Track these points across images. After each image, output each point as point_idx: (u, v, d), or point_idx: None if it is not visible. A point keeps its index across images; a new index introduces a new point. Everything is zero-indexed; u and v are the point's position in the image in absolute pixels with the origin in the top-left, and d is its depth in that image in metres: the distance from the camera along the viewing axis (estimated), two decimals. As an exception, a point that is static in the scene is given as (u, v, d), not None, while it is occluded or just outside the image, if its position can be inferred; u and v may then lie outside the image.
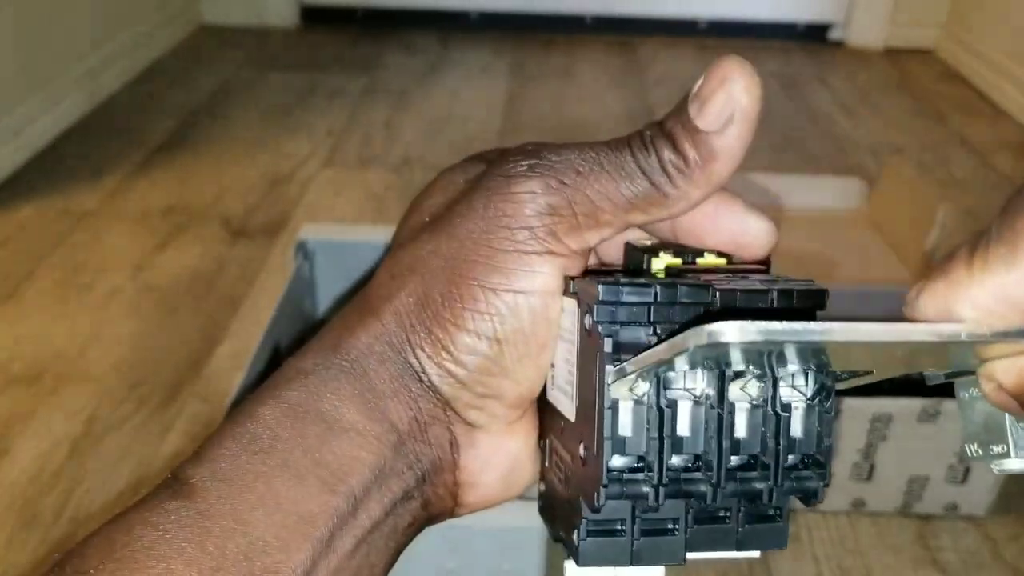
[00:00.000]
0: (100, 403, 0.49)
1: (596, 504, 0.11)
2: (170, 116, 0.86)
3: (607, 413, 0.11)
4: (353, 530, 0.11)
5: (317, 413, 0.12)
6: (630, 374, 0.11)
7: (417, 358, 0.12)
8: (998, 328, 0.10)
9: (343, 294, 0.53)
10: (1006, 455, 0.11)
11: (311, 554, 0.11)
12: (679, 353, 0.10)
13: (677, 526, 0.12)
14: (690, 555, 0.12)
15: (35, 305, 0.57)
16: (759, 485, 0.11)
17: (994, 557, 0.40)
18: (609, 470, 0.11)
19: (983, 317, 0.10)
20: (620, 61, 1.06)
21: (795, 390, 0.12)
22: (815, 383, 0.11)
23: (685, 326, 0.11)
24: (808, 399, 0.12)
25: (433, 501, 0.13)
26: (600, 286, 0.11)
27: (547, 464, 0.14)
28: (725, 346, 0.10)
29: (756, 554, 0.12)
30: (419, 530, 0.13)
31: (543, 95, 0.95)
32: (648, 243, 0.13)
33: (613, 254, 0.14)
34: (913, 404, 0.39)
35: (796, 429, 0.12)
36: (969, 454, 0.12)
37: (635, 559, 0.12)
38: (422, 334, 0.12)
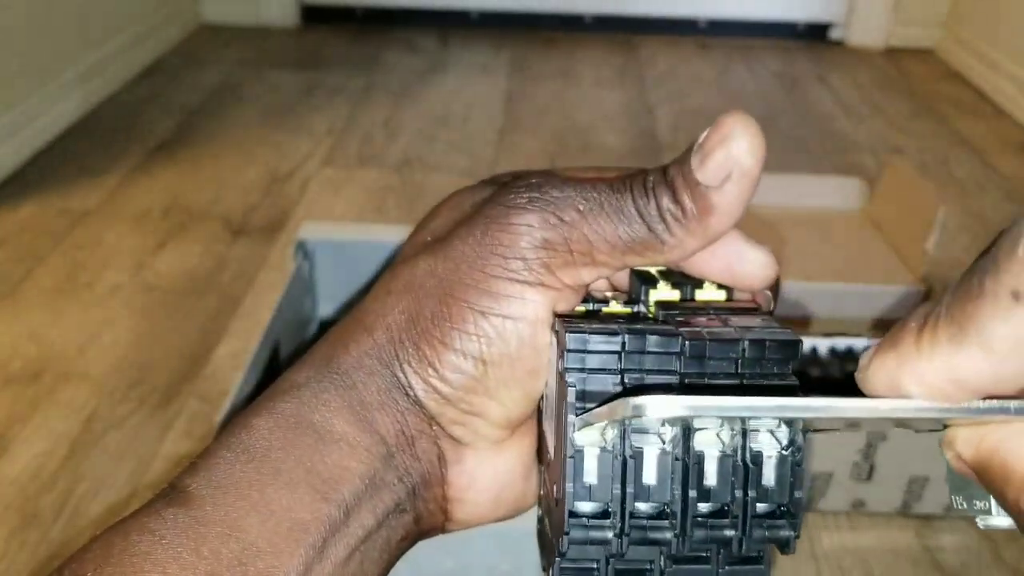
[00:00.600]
0: (100, 402, 0.49)
1: (559, 549, 0.11)
2: (170, 115, 0.86)
3: (569, 462, 0.11)
4: (346, 538, 0.12)
5: (309, 424, 0.12)
6: (592, 424, 0.11)
7: (404, 372, 0.13)
8: (945, 406, 0.10)
9: (344, 294, 0.53)
10: (988, 512, 0.11)
11: (304, 559, 0.11)
12: (614, 420, 0.10)
13: (652, 568, 0.12)
14: None
15: (34, 304, 0.57)
16: (729, 533, 0.11)
17: (994, 557, 0.40)
18: (574, 515, 0.11)
19: (930, 394, 0.10)
20: (620, 60, 1.06)
21: (771, 436, 0.12)
22: (788, 434, 0.11)
23: (630, 392, 0.11)
24: (782, 448, 0.12)
25: (424, 515, 0.13)
26: (568, 334, 0.11)
27: (542, 492, 0.14)
28: (652, 417, 0.10)
29: None
30: (412, 544, 0.13)
31: (543, 94, 0.94)
32: (652, 270, 0.13)
33: (622, 279, 0.14)
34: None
35: (768, 478, 0.12)
36: (955, 506, 0.12)
37: None
38: (410, 350, 0.13)
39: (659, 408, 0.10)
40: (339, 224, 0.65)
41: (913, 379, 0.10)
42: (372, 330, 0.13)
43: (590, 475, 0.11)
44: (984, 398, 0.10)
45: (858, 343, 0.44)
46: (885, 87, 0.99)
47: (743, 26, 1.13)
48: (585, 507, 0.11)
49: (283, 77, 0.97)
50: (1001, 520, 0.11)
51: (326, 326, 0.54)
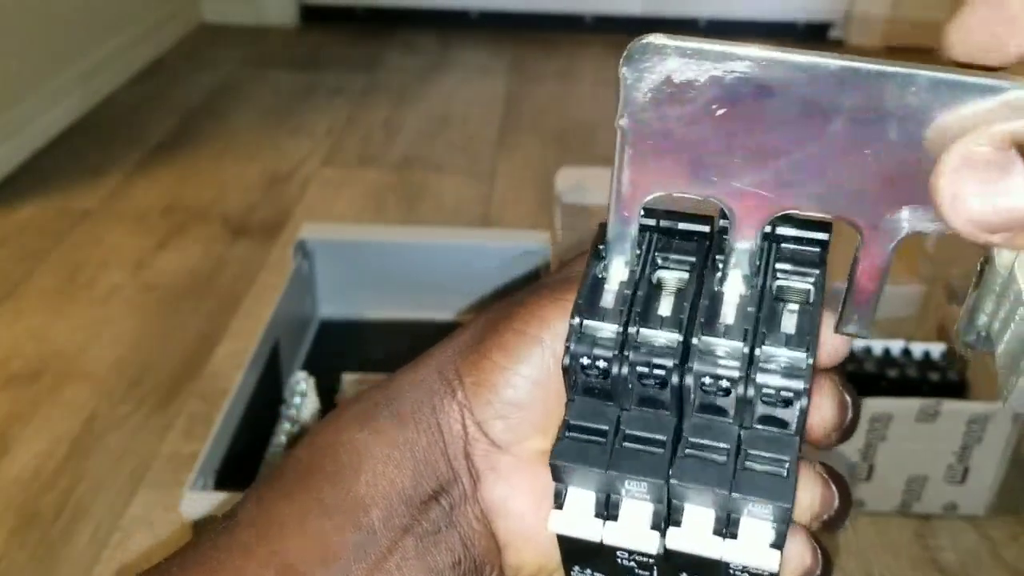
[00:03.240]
0: (100, 401, 0.49)
1: (562, 363, 0.11)
2: (170, 115, 0.86)
3: (587, 279, 0.11)
4: (376, 560, 0.12)
5: (348, 450, 0.13)
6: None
7: (456, 369, 0.13)
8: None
9: (344, 294, 0.53)
10: None
11: None
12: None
13: (663, 447, 0.11)
14: (677, 482, 0.11)
15: (34, 304, 0.57)
16: (733, 371, 0.11)
17: (993, 557, 0.41)
18: (581, 335, 0.11)
19: None
20: (620, 60, 1.06)
21: (794, 292, 0.11)
22: (813, 293, 0.11)
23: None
24: (805, 302, 0.11)
25: (470, 536, 0.13)
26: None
27: None
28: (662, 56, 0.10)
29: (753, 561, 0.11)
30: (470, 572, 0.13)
31: (543, 94, 0.94)
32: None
33: None
34: (912, 404, 0.39)
35: (787, 326, 0.11)
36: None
37: (612, 465, 0.11)
38: (466, 353, 0.13)
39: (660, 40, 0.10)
40: (339, 224, 0.65)
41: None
42: (432, 354, 0.14)
43: (607, 299, 0.11)
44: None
45: (857, 343, 0.44)
46: (884, 87, 1.00)
47: (743, 26, 1.13)
48: (597, 327, 0.11)
49: (283, 77, 0.97)
50: None
51: (326, 326, 0.54)
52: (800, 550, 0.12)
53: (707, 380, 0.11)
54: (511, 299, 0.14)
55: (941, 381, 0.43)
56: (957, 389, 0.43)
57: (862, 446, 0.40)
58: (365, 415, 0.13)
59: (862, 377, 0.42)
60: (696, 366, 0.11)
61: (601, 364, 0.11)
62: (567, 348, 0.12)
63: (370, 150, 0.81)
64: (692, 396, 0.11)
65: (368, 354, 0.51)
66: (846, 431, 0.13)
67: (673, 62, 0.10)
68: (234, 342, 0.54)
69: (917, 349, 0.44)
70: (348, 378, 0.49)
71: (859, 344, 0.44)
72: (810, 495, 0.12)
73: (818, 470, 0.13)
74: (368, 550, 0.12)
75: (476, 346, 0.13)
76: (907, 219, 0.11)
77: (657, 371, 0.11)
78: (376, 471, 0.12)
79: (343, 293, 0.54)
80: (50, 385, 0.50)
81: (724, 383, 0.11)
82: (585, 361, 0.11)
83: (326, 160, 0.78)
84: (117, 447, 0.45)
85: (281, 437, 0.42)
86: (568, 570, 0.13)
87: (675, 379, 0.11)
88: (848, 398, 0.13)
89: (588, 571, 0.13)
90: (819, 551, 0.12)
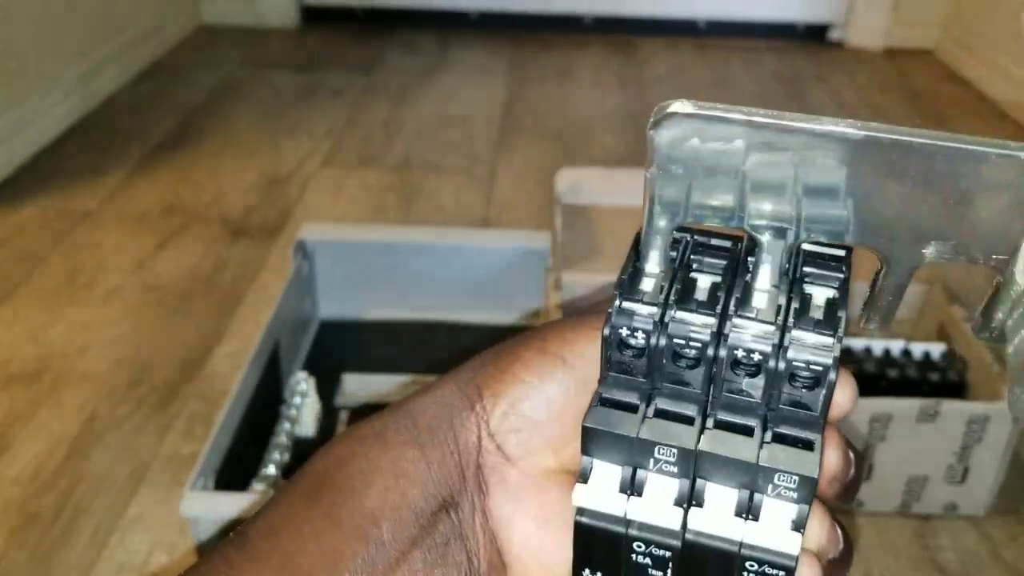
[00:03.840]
0: (100, 402, 0.49)
1: (603, 333, 0.11)
2: (170, 116, 0.86)
3: (629, 258, 0.12)
4: (382, 570, 0.12)
5: (361, 463, 0.13)
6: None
7: (478, 385, 0.13)
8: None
9: (343, 294, 0.53)
10: None
11: None
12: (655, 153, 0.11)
13: (691, 423, 0.12)
14: (706, 457, 0.11)
15: (34, 304, 0.57)
16: (766, 348, 0.11)
17: (993, 557, 0.41)
18: (622, 308, 0.12)
19: None
20: (619, 61, 1.06)
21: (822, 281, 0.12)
22: (840, 282, 0.12)
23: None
24: (833, 290, 0.12)
25: (476, 550, 0.13)
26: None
27: None
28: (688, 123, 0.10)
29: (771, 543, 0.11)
30: None
31: (542, 95, 0.94)
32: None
33: None
34: (912, 404, 0.39)
35: (817, 310, 0.12)
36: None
37: (642, 431, 0.12)
38: (492, 371, 0.14)
39: (682, 109, 0.10)
40: (338, 224, 0.65)
41: None
42: (451, 375, 0.14)
43: (646, 285, 0.12)
44: None
45: (856, 343, 0.44)
46: (884, 88, 0.99)
47: (742, 27, 1.13)
48: (636, 307, 0.12)
49: (283, 78, 0.97)
50: None
51: (326, 326, 0.54)
52: (819, 527, 0.12)
53: (740, 353, 0.11)
54: (534, 327, 0.14)
55: (941, 381, 0.43)
56: (957, 389, 0.43)
57: (862, 446, 0.40)
58: (381, 430, 0.13)
59: (862, 377, 0.43)
60: (731, 338, 0.11)
61: (640, 337, 0.12)
62: (607, 318, 0.12)
63: (370, 150, 0.81)
64: (722, 376, 0.11)
65: (368, 354, 0.51)
66: (849, 486, 0.13)
67: (698, 129, 0.11)
68: (234, 342, 0.54)
69: (917, 349, 0.44)
70: (348, 378, 0.49)
71: (859, 344, 0.44)
72: (832, 455, 0.12)
73: (839, 433, 0.13)
74: (377, 562, 0.12)
75: (498, 362, 0.14)
76: (931, 252, 0.11)
77: (693, 344, 0.11)
78: (388, 485, 0.13)
79: (343, 293, 0.54)
80: (50, 385, 0.50)
81: (756, 356, 0.11)
82: (624, 332, 0.12)
83: (326, 160, 0.78)
84: (117, 447, 0.45)
85: (281, 437, 0.42)
86: (577, 574, 0.13)
87: (710, 351, 0.11)
88: (852, 454, 0.13)
89: (598, 575, 0.13)
90: (839, 530, 0.13)
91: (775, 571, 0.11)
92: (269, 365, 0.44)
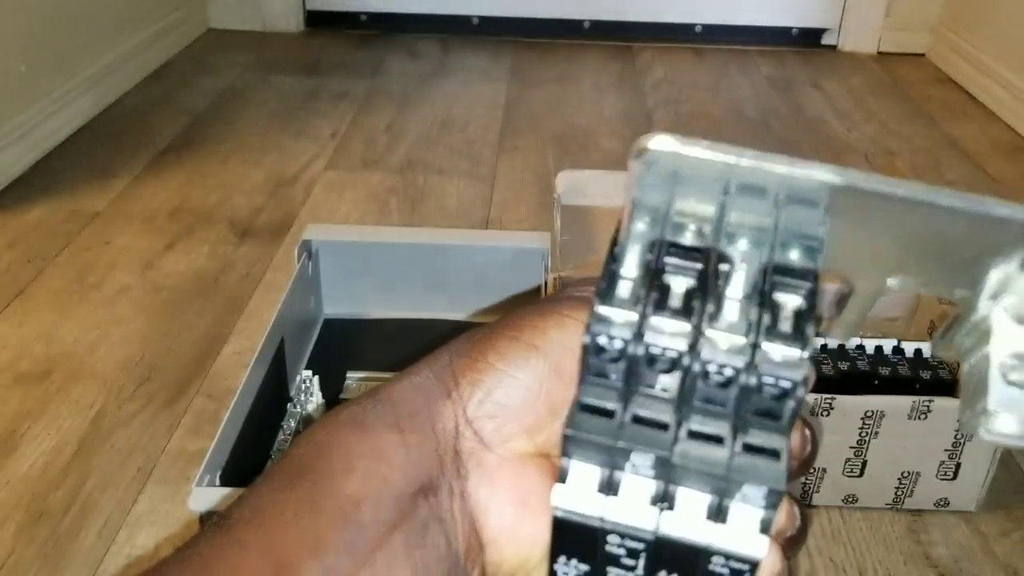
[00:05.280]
0: (108, 400, 0.49)
1: (583, 343, 0.12)
2: (178, 119, 0.87)
3: (607, 269, 0.12)
4: (363, 557, 0.12)
5: (341, 447, 0.13)
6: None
7: (454, 372, 0.14)
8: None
9: (347, 294, 0.54)
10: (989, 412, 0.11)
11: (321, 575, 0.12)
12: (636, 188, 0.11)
13: (667, 428, 0.12)
14: (679, 465, 0.12)
15: (44, 304, 0.58)
16: (738, 362, 0.11)
17: (985, 552, 0.41)
18: (601, 316, 0.12)
19: None
20: (618, 65, 1.07)
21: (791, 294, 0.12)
22: (807, 287, 0.12)
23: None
24: (803, 298, 0.12)
25: (455, 532, 0.13)
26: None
27: None
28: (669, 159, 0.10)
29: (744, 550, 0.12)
30: (447, 574, 0.13)
31: (542, 98, 0.95)
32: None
33: None
34: (904, 401, 0.39)
35: (786, 323, 0.12)
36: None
37: (621, 436, 0.12)
38: (467, 359, 0.14)
39: (664, 145, 0.10)
40: (342, 226, 0.66)
41: None
42: (428, 360, 0.14)
43: (623, 291, 0.12)
44: None
45: (851, 341, 0.45)
46: (878, 91, 1.00)
47: (738, 32, 1.14)
48: (615, 312, 0.12)
49: (288, 82, 0.98)
50: (1007, 423, 0.11)
51: (330, 325, 0.55)
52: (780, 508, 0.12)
53: (712, 368, 0.12)
54: (506, 315, 0.14)
55: (933, 379, 0.43)
56: (949, 387, 0.43)
57: (855, 443, 0.41)
58: (361, 416, 0.14)
59: (855, 375, 0.43)
60: (704, 354, 0.12)
61: (618, 344, 0.12)
62: (587, 327, 0.12)
63: (373, 153, 0.81)
64: (696, 384, 0.12)
65: (371, 352, 0.52)
66: (806, 462, 0.14)
67: (678, 163, 0.11)
68: (240, 341, 0.55)
69: (909, 348, 0.45)
70: (352, 376, 0.49)
71: (853, 342, 0.45)
72: (792, 436, 0.13)
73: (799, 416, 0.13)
74: (358, 545, 0.12)
75: (472, 350, 0.14)
76: (895, 283, 0.12)
77: (669, 353, 0.12)
78: (368, 469, 0.13)
79: (347, 293, 0.55)
80: (59, 384, 0.50)
81: (729, 371, 0.12)
82: (602, 341, 0.12)
83: (330, 163, 0.79)
84: (125, 445, 0.46)
85: (286, 434, 0.43)
86: (553, 562, 0.13)
87: (686, 361, 0.12)
88: (809, 432, 0.13)
89: (573, 562, 0.13)
90: (796, 508, 0.13)
91: (741, 563, 0.12)
92: (274, 363, 0.44)
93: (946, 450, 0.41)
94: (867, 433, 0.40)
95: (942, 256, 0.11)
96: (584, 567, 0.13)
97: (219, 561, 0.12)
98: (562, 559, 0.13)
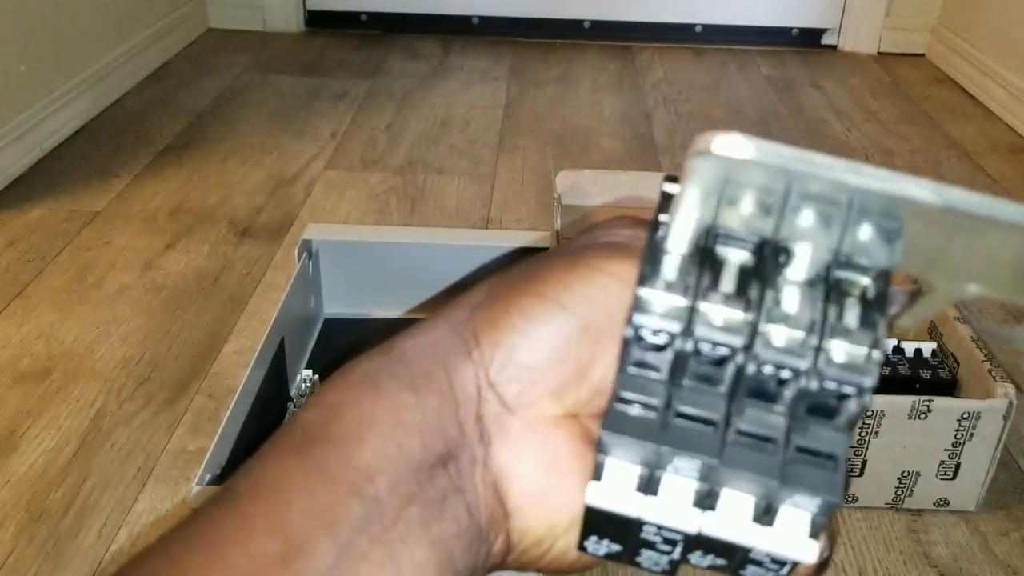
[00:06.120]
0: (108, 399, 0.49)
1: (624, 335, 0.10)
2: (177, 119, 0.87)
3: (649, 247, 0.11)
4: (379, 531, 0.11)
5: (353, 414, 0.12)
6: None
7: (475, 330, 0.12)
8: None
9: (347, 294, 0.54)
10: None
11: (333, 556, 0.11)
12: (691, 188, 0.10)
13: (714, 426, 0.11)
14: (726, 469, 0.10)
15: (44, 303, 0.58)
16: (800, 364, 0.10)
17: (984, 551, 0.41)
18: (646, 303, 0.11)
19: None
20: (618, 65, 1.07)
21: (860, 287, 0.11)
22: (876, 286, 0.10)
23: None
24: (869, 295, 0.11)
25: (476, 503, 0.12)
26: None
27: None
28: (735, 165, 0.09)
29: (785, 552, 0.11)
30: (475, 547, 0.12)
31: (542, 98, 0.95)
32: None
33: None
34: (904, 401, 0.39)
35: (851, 319, 0.10)
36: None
37: (663, 438, 0.11)
38: (489, 316, 0.13)
39: (731, 148, 0.09)
40: (342, 226, 0.66)
41: None
42: (445, 314, 0.13)
43: (669, 269, 0.11)
44: None
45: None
46: (877, 91, 1.00)
47: (738, 31, 1.14)
48: (660, 298, 0.11)
49: (288, 82, 0.98)
50: None
51: (330, 324, 0.55)
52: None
53: (768, 369, 0.10)
54: (530, 262, 0.13)
55: (933, 379, 0.43)
56: (948, 387, 0.43)
57: (855, 442, 0.41)
58: (375, 375, 0.12)
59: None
60: (760, 353, 0.10)
61: (663, 337, 0.11)
62: (629, 318, 0.11)
63: (373, 153, 0.81)
64: (747, 380, 0.11)
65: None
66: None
67: (741, 169, 0.10)
68: (240, 341, 0.55)
69: (909, 348, 0.45)
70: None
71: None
72: None
73: None
74: (372, 520, 0.11)
75: (494, 306, 0.13)
76: (978, 291, 0.11)
77: (721, 349, 0.10)
78: (384, 436, 0.12)
79: (347, 292, 0.55)
80: (59, 383, 0.50)
81: (787, 373, 0.10)
82: (646, 333, 0.11)
83: (330, 163, 0.79)
84: (125, 444, 0.46)
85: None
86: (583, 539, 0.12)
87: (739, 359, 0.10)
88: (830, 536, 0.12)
89: (605, 542, 0.12)
90: (830, 532, 0.12)
91: (783, 562, 0.11)
92: (275, 362, 0.44)
93: (946, 450, 0.41)
94: (867, 433, 0.40)
95: None
96: (616, 547, 0.12)
97: (224, 539, 0.11)
98: (593, 538, 0.12)
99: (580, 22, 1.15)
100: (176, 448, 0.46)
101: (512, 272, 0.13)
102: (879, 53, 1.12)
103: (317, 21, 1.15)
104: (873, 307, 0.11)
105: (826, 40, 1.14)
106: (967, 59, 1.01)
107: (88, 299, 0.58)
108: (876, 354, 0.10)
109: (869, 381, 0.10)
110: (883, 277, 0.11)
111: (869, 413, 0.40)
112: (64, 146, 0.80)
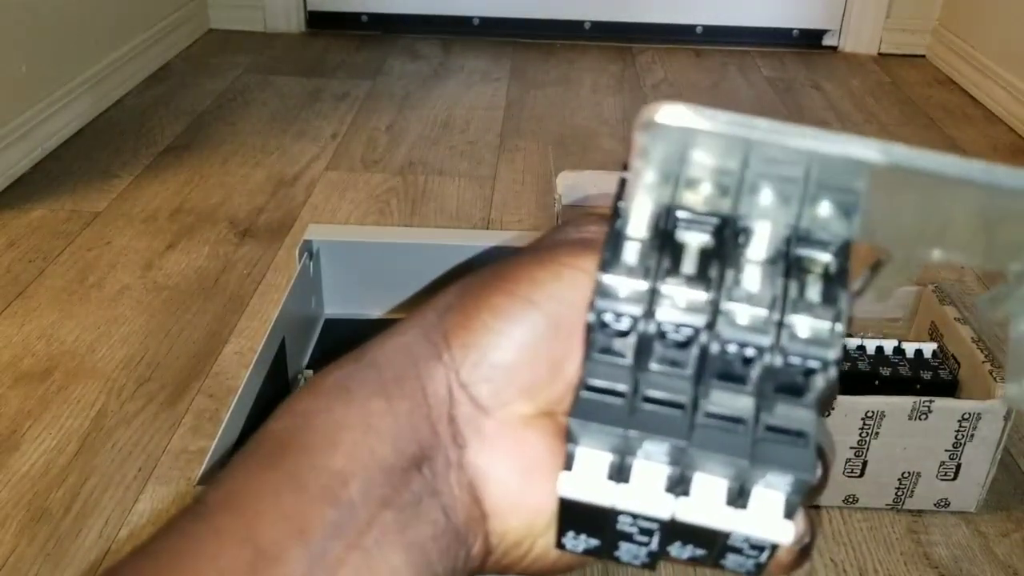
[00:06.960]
0: (109, 399, 0.49)
1: (588, 319, 0.10)
2: (178, 119, 0.87)
3: (611, 233, 0.11)
4: (355, 537, 0.11)
5: (324, 420, 0.12)
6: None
7: (444, 332, 0.12)
8: None
9: (347, 294, 0.54)
10: None
11: (307, 564, 0.11)
12: (643, 161, 0.09)
13: (682, 409, 0.11)
14: (697, 451, 0.10)
15: (45, 303, 0.58)
16: (763, 341, 0.10)
17: (985, 552, 0.41)
18: (607, 289, 0.11)
19: None
20: (618, 66, 1.07)
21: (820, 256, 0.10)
22: (837, 263, 0.10)
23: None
24: (829, 267, 0.10)
25: (452, 506, 0.12)
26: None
27: None
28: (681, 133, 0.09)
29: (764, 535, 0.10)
30: (452, 549, 0.12)
31: (543, 99, 0.95)
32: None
33: None
34: (905, 402, 0.39)
35: (813, 294, 0.10)
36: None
37: (632, 423, 0.11)
38: (458, 318, 0.12)
39: (674, 118, 0.09)
40: (343, 226, 0.66)
41: None
42: (415, 318, 0.13)
43: (630, 254, 0.11)
44: None
45: (852, 342, 0.45)
46: (878, 93, 1.00)
47: (739, 33, 1.14)
48: (622, 283, 0.10)
49: (289, 82, 0.98)
50: None
51: (331, 325, 0.55)
52: (799, 518, 0.12)
53: (732, 348, 0.10)
54: (498, 263, 0.13)
55: (933, 380, 0.43)
56: (949, 388, 0.43)
57: (855, 443, 0.41)
58: (345, 381, 0.12)
59: (856, 375, 0.43)
60: (723, 332, 0.10)
61: (626, 322, 0.11)
62: (591, 304, 0.11)
63: (374, 154, 0.82)
64: (713, 361, 0.11)
65: (372, 353, 0.52)
66: (817, 488, 0.12)
67: (689, 137, 0.10)
68: (241, 341, 0.55)
69: (910, 348, 0.45)
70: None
71: (853, 343, 0.45)
72: None
73: None
74: (346, 526, 0.11)
75: (463, 307, 0.13)
76: (941, 255, 0.10)
77: (684, 330, 0.10)
78: (355, 442, 0.12)
79: (348, 293, 0.55)
80: (60, 383, 0.51)
81: (751, 350, 0.10)
82: (609, 318, 0.11)
83: (331, 164, 0.79)
84: (126, 444, 0.46)
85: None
86: (560, 536, 0.12)
87: (703, 339, 0.10)
88: (822, 462, 0.12)
89: (583, 536, 0.12)
90: (809, 518, 0.12)
91: (761, 546, 0.11)
92: (275, 363, 0.44)
93: (946, 450, 0.41)
94: (867, 433, 0.40)
95: (994, 231, 0.10)
96: (594, 541, 0.12)
97: (194, 552, 0.11)
98: (570, 534, 0.12)
99: (581, 23, 1.15)
100: (177, 448, 0.46)
101: (482, 272, 0.13)
102: (880, 54, 1.12)
103: (318, 22, 1.15)
104: (835, 282, 0.11)
105: (827, 41, 1.14)
106: (968, 60, 1.01)
107: (89, 299, 0.58)
108: (839, 327, 0.10)
109: (833, 354, 0.10)
110: (843, 251, 0.11)
111: (870, 414, 0.40)
112: (65, 147, 0.80)
